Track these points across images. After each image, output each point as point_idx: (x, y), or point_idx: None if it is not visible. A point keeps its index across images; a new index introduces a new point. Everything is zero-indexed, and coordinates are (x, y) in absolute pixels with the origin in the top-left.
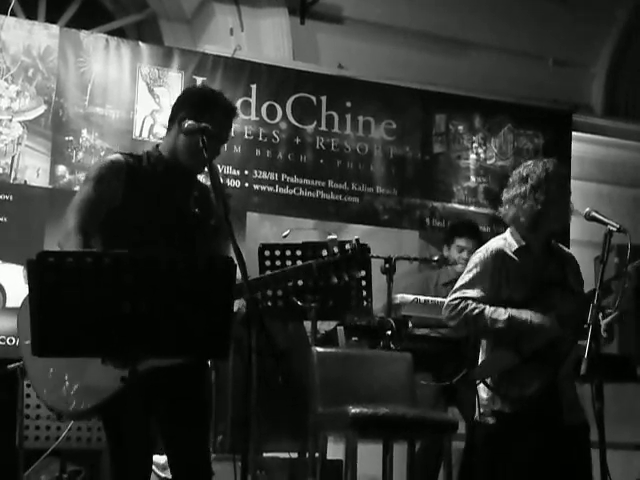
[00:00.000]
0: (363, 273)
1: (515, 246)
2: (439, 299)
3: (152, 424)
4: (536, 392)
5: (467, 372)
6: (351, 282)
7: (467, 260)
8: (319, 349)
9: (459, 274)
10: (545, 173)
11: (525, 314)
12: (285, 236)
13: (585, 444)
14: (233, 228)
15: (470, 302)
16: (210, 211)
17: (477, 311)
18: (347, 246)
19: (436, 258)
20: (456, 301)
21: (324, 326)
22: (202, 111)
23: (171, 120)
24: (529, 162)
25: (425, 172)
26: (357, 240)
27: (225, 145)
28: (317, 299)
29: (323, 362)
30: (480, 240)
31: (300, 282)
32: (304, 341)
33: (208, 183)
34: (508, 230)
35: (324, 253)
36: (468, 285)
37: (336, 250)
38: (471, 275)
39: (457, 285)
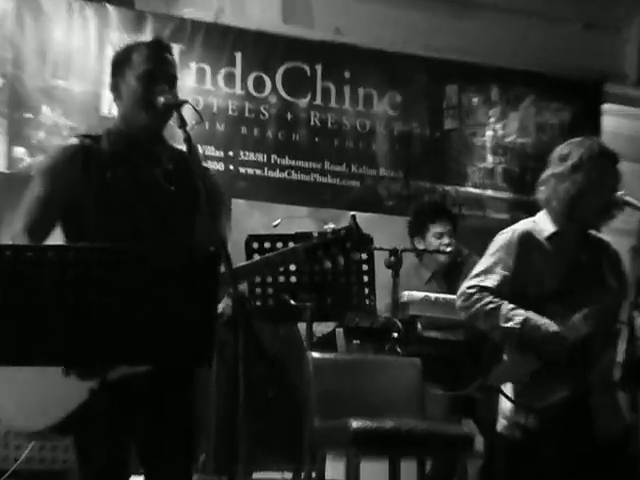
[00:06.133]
0: (364, 256)
1: (546, 232)
2: (452, 296)
3: (128, 443)
4: (563, 401)
5: (484, 379)
6: (350, 268)
7: (449, 245)
8: (315, 354)
9: (446, 265)
10: (589, 153)
11: (542, 321)
12: (275, 226)
13: (625, 464)
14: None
15: (486, 294)
16: (190, 186)
17: (492, 306)
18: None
19: (449, 250)
20: (472, 290)
21: (321, 328)
22: (123, 61)
23: (113, 89)
24: (574, 140)
25: (435, 151)
26: (353, 217)
27: (206, 123)
28: (313, 297)
29: (320, 369)
30: (454, 220)
31: (293, 278)
32: (298, 345)
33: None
34: (540, 213)
35: (314, 235)
36: (487, 271)
37: (328, 234)
38: (492, 260)
39: (475, 270)
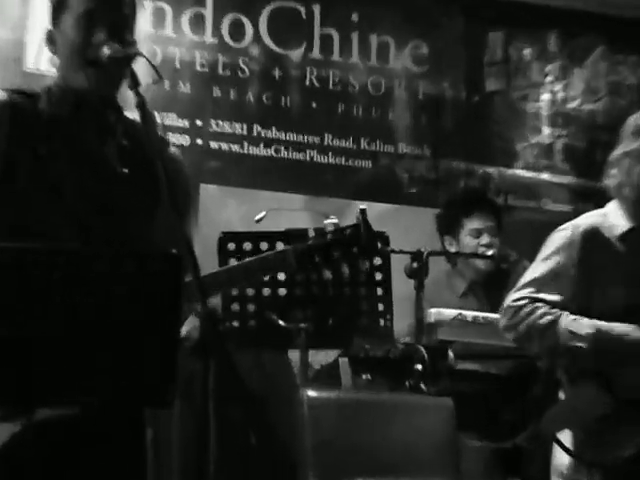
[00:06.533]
0: (377, 261)
1: (619, 229)
2: (494, 315)
3: None
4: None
5: (536, 426)
6: (358, 278)
7: (491, 246)
8: (312, 393)
9: (487, 273)
10: None
11: (622, 329)
12: (259, 221)
13: None
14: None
15: (540, 306)
16: (149, 169)
17: (548, 319)
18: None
19: (490, 253)
20: (520, 302)
21: (320, 358)
22: (59, 3)
23: (48, 41)
24: None
25: (473, 121)
26: (362, 211)
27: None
28: (308, 316)
29: (318, 412)
30: (498, 213)
31: (282, 290)
32: (289, 380)
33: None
34: (611, 204)
35: (310, 235)
36: (541, 281)
37: (329, 235)
38: (547, 266)
39: (524, 279)
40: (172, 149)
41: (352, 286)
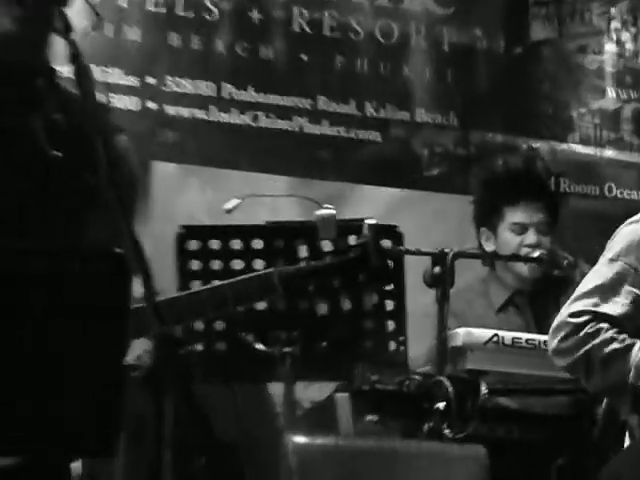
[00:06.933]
0: (389, 286)
1: None
2: (542, 337)
3: None
4: None
5: None
6: (363, 308)
7: (538, 246)
8: (300, 439)
9: (534, 281)
10: None
11: None
12: (230, 210)
13: None
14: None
15: (606, 327)
16: (86, 149)
17: (615, 347)
18: (353, 239)
19: (536, 254)
20: (579, 319)
21: (311, 392)
22: None
23: None
24: None
25: (513, 80)
26: (372, 228)
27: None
28: (296, 337)
29: (308, 464)
30: (550, 201)
31: (261, 304)
32: (270, 422)
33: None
34: None
35: (302, 251)
36: (606, 289)
37: (330, 245)
38: (613, 269)
39: (582, 288)
40: (114, 122)
41: (353, 299)
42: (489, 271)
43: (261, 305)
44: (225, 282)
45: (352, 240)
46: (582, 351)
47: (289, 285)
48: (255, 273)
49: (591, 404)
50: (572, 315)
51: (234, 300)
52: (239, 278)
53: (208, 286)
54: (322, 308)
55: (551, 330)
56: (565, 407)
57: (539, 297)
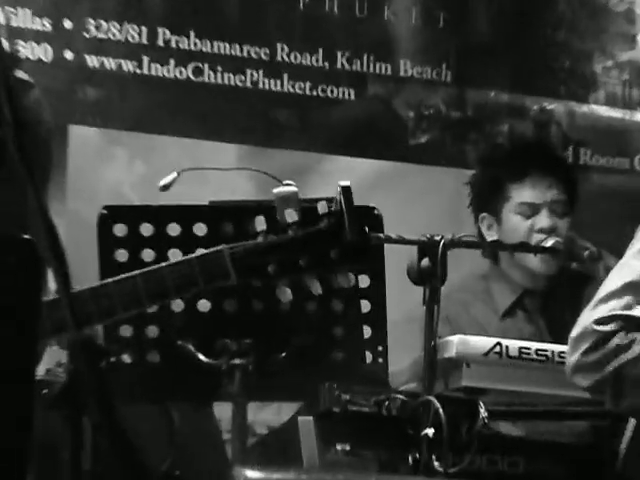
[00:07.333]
0: (364, 282)
1: None
2: (557, 347)
3: None
4: None
5: None
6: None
7: (553, 231)
8: (252, 474)
9: (547, 279)
10: None
11: None
12: (167, 187)
13: None
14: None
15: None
16: None
17: None
18: (320, 207)
19: (550, 243)
20: (606, 327)
21: (266, 415)
22: None
23: None
24: None
25: (521, 24)
26: (345, 190)
27: None
28: (248, 346)
29: None
30: (567, 177)
31: (204, 303)
32: (215, 452)
33: None
34: None
35: (259, 224)
36: (636, 288)
37: (290, 218)
38: None
39: (609, 287)
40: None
41: (322, 298)
42: (491, 265)
43: (204, 305)
44: (162, 265)
45: (322, 208)
46: (611, 368)
47: (244, 267)
48: (200, 252)
49: (613, 431)
50: (597, 322)
51: (174, 290)
52: (180, 259)
53: (140, 270)
54: (284, 303)
55: (571, 341)
56: (582, 435)
57: (554, 298)
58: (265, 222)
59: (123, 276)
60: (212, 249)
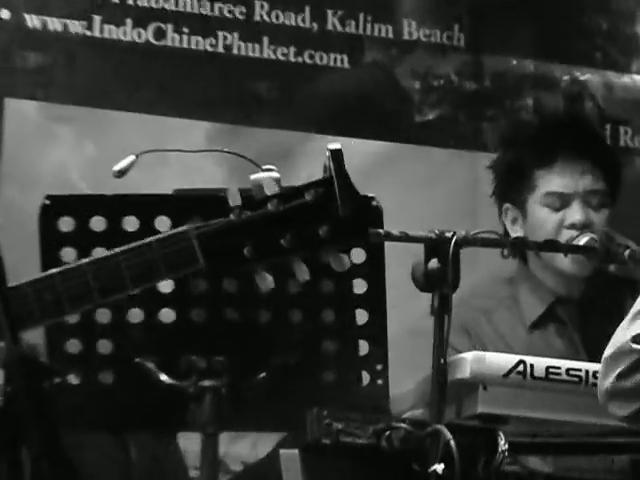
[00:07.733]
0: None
1: None
2: (592, 366)
3: None
4: None
5: None
6: (319, 285)
7: (588, 227)
8: None
9: (579, 281)
10: None
11: None
12: (122, 173)
13: None
14: None
15: None
16: None
17: None
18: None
19: (584, 241)
20: None
21: (242, 448)
22: None
23: None
24: None
25: None
26: (335, 154)
27: None
28: (220, 365)
29: None
30: (607, 162)
31: (168, 313)
32: None
33: None
34: None
35: (235, 203)
36: None
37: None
38: None
39: None
40: None
41: (307, 304)
42: (519, 267)
43: (168, 315)
44: (116, 250)
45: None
46: None
47: (214, 250)
48: (163, 234)
49: None
50: (636, 339)
51: (130, 278)
52: (136, 243)
53: (90, 258)
54: (264, 313)
55: (604, 362)
56: (622, 472)
57: (592, 307)
58: (240, 199)
59: (69, 266)
60: (176, 230)
